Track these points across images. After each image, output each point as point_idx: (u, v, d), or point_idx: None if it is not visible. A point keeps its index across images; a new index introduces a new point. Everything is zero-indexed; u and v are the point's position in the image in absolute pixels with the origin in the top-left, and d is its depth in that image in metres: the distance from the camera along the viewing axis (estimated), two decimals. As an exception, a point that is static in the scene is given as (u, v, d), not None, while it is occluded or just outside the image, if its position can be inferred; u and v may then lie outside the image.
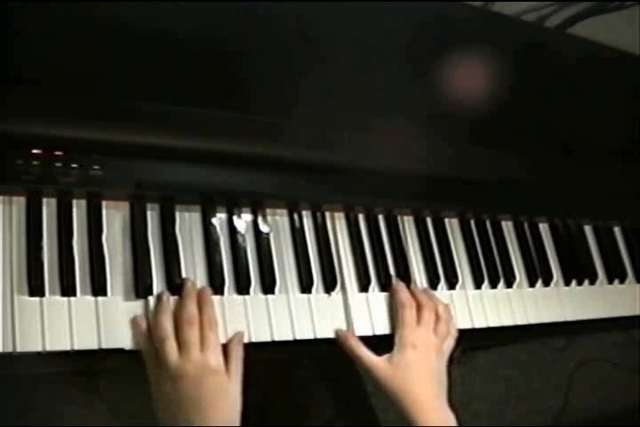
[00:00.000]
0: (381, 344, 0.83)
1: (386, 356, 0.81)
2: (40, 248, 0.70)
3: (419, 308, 0.86)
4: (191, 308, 0.73)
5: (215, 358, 0.71)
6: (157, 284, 0.74)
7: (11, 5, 0.66)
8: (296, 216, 0.86)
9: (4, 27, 0.67)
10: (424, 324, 0.84)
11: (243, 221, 0.82)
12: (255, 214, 0.83)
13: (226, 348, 0.74)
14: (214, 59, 0.78)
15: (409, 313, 0.84)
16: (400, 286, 0.87)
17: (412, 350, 0.81)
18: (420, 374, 0.80)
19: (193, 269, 0.77)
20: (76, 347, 0.68)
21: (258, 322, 0.78)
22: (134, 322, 0.72)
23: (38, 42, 0.69)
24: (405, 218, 0.94)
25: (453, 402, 0.80)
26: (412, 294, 0.87)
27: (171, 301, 0.74)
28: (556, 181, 1.04)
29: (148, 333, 0.71)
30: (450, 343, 0.86)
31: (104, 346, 0.69)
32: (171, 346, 0.70)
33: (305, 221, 0.86)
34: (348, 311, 0.84)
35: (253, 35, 0.79)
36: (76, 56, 0.71)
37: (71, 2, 0.69)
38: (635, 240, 1.15)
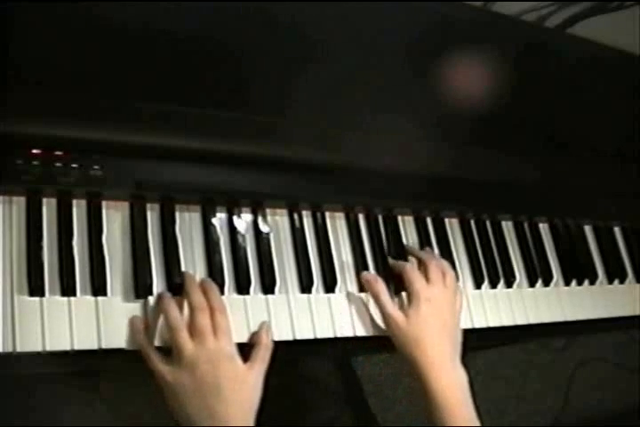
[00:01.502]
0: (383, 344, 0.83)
1: (403, 309, 0.82)
2: (40, 248, 0.70)
3: (424, 266, 0.86)
4: (198, 294, 0.72)
5: (229, 343, 0.71)
6: (157, 284, 0.74)
7: (11, 5, 0.66)
8: (296, 216, 0.86)
9: (4, 27, 0.67)
10: (433, 281, 0.84)
11: (243, 221, 0.82)
12: (255, 214, 0.83)
13: (254, 338, 0.75)
14: (214, 59, 0.78)
15: (413, 271, 0.84)
16: (395, 262, 0.88)
17: (426, 304, 0.81)
18: (434, 330, 0.80)
19: (193, 269, 0.77)
20: (76, 347, 0.68)
21: (258, 322, 0.77)
22: (131, 321, 0.71)
23: (38, 42, 0.69)
24: (405, 218, 0.94)
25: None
26: (412, 253, 0.89)
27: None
28: (556, 181, 1.04)
29: (147, 329, 0.71)
30: (460, 300, 0.86)
31: (104, 346, 0.69)
32: (185, 335, 0.69)
33: (305, 221, 0.86)
34: (348, 311, 0.84)
35: (253, 35, 0.79)
36: (76, 56, 0.71)
37: (71, 2, 0.69)
38: (635, 240, 1.15)
